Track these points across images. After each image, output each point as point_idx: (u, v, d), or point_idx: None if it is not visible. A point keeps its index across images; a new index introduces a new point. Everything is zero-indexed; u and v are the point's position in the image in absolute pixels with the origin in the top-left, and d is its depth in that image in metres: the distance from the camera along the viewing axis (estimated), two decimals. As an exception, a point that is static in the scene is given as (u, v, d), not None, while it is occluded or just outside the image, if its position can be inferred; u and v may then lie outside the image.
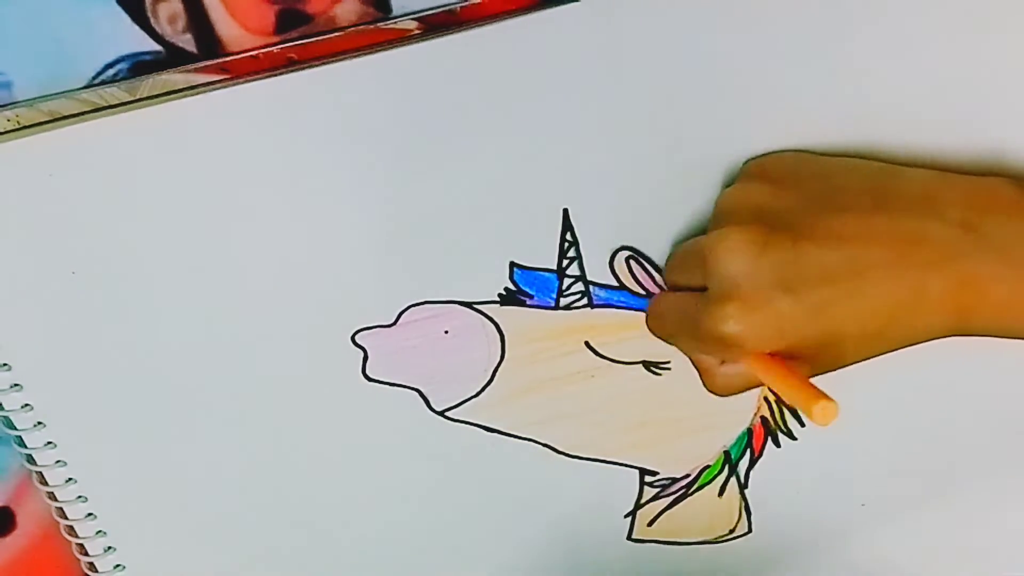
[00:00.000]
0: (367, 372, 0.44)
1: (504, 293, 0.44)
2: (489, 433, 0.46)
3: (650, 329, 0.44)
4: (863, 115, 0.43)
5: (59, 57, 0.39)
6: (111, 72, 0.40)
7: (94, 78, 0.40)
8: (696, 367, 0.42)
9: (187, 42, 0.40)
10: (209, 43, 0.40)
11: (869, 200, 0.39)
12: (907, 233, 0.38)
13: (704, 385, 0.42)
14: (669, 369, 0.46)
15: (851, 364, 0.39)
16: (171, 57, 0.40)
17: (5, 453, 0.44)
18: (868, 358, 0.39)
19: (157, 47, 0.40)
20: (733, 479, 0.48)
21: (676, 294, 0.42)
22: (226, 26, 0.40)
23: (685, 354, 0.42)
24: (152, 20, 0.40)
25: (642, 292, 0.44)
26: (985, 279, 0.37)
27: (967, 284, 0.37)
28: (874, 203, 0.39)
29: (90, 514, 0.45)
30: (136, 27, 0.40)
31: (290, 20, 0.40)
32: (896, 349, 0.39)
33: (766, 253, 0.37)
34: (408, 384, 0.45)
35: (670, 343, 0.43)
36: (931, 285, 0.37)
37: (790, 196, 0.39)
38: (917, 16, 0.41)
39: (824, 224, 0.38)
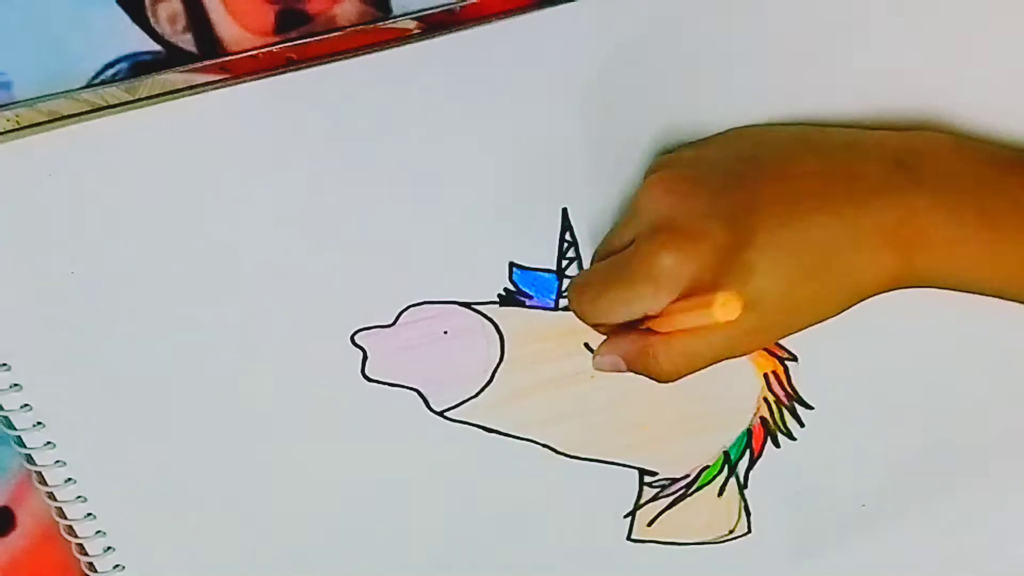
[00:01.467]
0: (366, 372, 0.44)
1: (503, 294, 0.44)
2: (488, 434, 0.46)
3: (576, 307, 0.40)
4: (853, 122, 0.42)
5: (59, 57, 0.40)
6: (111, 72, 0.40)
7: (94, 78, 0.40)
8: (635, 359, 0.39)
9: (187, 42, 0.40)
10: (209, 43, 0.40)
11: (799, 146, 0.39)
12: (839, 169, 0.37)
13: (651, 374, 0.39)
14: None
15: (803, 319, 0.38)
16: (171, 57, 0.40)
17: (5, 453, 0.44)
18: (820, 309, 0.38)
19: (157, 47, 0.40)
20: (732, 479, 0.48)
21: (598, 263, 0.40)
22: (226, 26, 0.40)
23: (611, 333, 0.40)
24: (152, 20, 0.40)
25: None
26: (922, 215, 0.36)
27: (904, 221, 0.36)
28: (804, 147, 0.38)
29: (89, 514, 0.45)
30: (136, 27, 0.40)
31: (290, 20, 0.40)
32: (848, 298, 0.38)
33: (695, 191, 0.37)
34: (407, 384, 0.45)
35: (595, 321, 0.40)
36: (865, 217, 0.36)
37: (711, 152, 0.40)
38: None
39: (753, 169, 0.38)
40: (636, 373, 0.39)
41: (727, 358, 0.39)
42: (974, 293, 0.39)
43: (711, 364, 0.38)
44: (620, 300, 0.38)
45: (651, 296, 0.37)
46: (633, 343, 0.39)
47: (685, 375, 0.39)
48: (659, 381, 0.39)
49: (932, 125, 0.42)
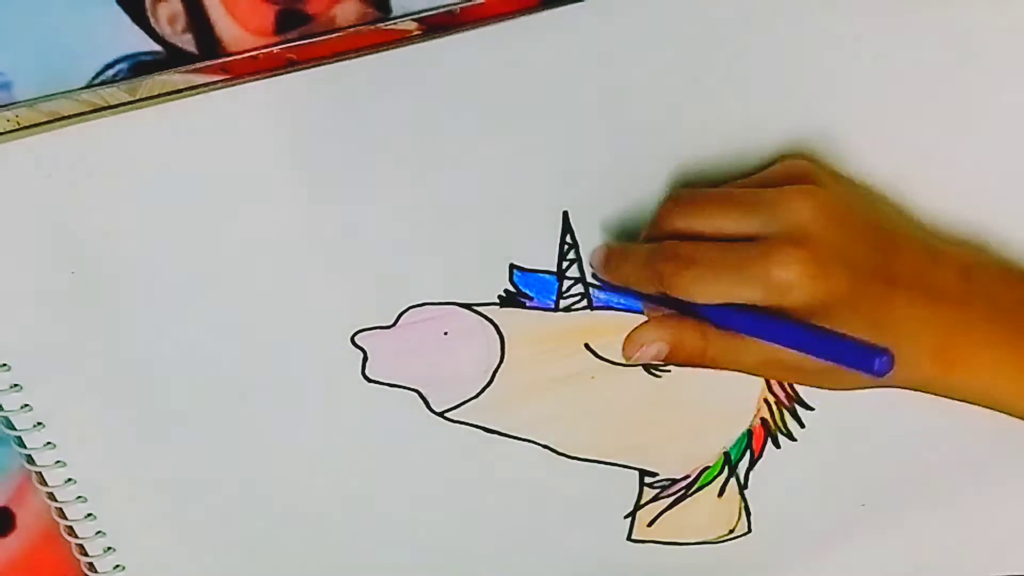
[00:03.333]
0: (367, 373, 0.44)
1: (504, 295, 0.44)
2: (488, 434, 0.46)
3: (672, 275, 0.39)
4: (855, 122, 0.43)
5: (59, 57, 0.39)
6: (111, 72, 0.40)
7: (94, 78, 0.40)
8: (685, 349, 0.40)
9: (187, 42, 0.40)
10: (209, 43, 0.40)
11: (904, 225, 0.42)
12: (926, 260, 0.40)
13: (694, 363, 0.40)
14: (669, 371, 0.46)
15: (839, 384, 0.40)
16: (171, 57, 0.40)
17: (5, 453, 0.44)
18: (851, 384, 0.40)
19: (157, 47, 0.40)
20: (733, 480, 0.48)
21: (709, 242, 0.39)
22: (226, 26, 0.40)
23: (662, 317, 0.40)
24: (152, 20, 0.40)
25: (642, 294, 0.44)
26: (972, 330, 0.40)
27: (955, 332, 0.39)
28: (906, 230, 0.42)
29: (90, 514, 0.45)
30: (136, 27, 0.40)
31: (290, 20, 0.40)
32: (874, 384, 0.40)
33: (845, 224, 0.38)
34: (408, 385, 0.45)
35: (685, 296, 0.39)
36: (937, 322, 0.39)
37: (863, 209, 0.41)
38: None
39: (890, 240, 0.40)
40: (675, 363, 0.40)
41: (763, 376, 0.41)
42: (997, 411, 0.41)
43: (749, 374, 0.40)
44: (729, 292, 0.38)
45: (762, 301, 0.37)
46: (689, 333, 0.40)
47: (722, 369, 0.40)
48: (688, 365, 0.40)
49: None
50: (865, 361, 0.34)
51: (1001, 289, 0.41)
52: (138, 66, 0.40)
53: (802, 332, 0.37)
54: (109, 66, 0.40)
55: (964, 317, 0.39)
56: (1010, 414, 0.41)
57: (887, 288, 0.38)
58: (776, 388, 0.47)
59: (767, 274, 0.37)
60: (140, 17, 0.40)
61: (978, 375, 0.40)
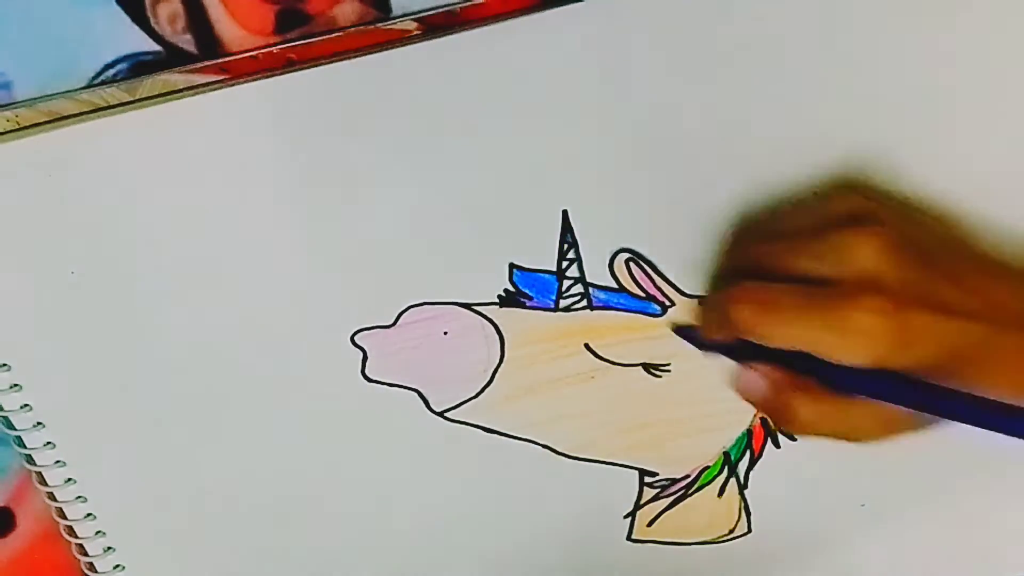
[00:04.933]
0: (366, 373, 0.44)
1: (504, 295, 0.44)
2: (488, 434, 0.46)
3: (751, 319, 0.39)
4: (859, 118, 0.43)
5: (59, 57, 0.39)
6: (111, 72, 0.40)
7: (94, 78, 0.40)
8: (772, 406, 0.41)
9: (187, 42, 0.40)
10: (209, 43, 0.40)
11: (966, 256, 0.42)
12: (1000, 293, 0.39)
13: (783, 426, 0.41)
14: (669, 371, 0.46)
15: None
16: (171, 57, 0.40)
17: (5, 453, 0.44)
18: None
19: (157, 47, 0.40)
20: (733, 480, 0.48)
21: (781, 284, 0.39)
22: (226, 26, 0.40)
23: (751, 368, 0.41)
24: (152, 20, 0.40)
25: (642, 294, 0.44)
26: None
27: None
28: (966, 258, 0.41)
29: (89, 514, 0.45)
30: (136, 27, 0.40)
31: (290, 20, 0.40)
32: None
33: (906, 265, 0.38)
34: (407, 385, 0.45)
35: (763, 340, 0.39)
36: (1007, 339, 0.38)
37: (908, 233, 0.40)
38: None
39: (946, 267, 0.39)
40: (766, 416, 0.41)
41: (846, 440, 0.41)
42: None
43: (832, 439, 0.40)
44: (808, 338, 0.38)
45: (840, 349, 0.37)
46: (775, 390, 0.40)
47: (810, 436, 0.40)
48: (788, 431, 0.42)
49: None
50: None
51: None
52: (138, 66, 0.40)
53: (962, 401, 0.37)
54: (109, 66, 0.40)
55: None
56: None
57: (966, 322, 0.38)
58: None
59: (852, 323, 0.37)
60: (140, 17, 0.40)
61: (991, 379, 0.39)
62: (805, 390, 0.39)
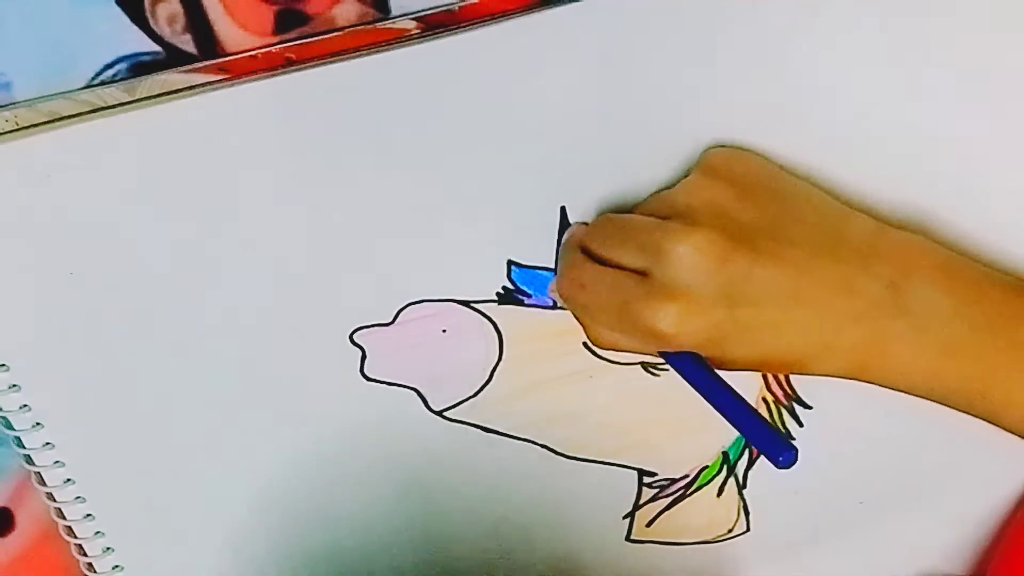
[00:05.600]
0: (365, 371, 0.44)
1: (502, 292, 0.44)
2: (487, 434, 0.46)
3: (562, 295, 0.42)
4: (849, 134, 0.43)
5: (58, 57, 0.39)
6: (110, 72, 0.40)
7: (93, 78, 0.40)
8: (581, 320, 0.42)
9: (186, 43, 0.40)
10: (208, 43, 0.40)
11: (818, 237, 0.40)
12: (842, 280, 0.39)
13: (586, 334, 0.42)
14: (668, 370, 0.46)
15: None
16: (170, 58, 0.40)
17: (4, 454, 0.44)
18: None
19: (156, 48, 0.40)
20: (731, 479, 0.48)
21: (607, 269, 0.40)
22: (225, 26, 0.40)
23: (583, 319, 0.42)
24: (151, 21, 0.40)
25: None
26: (892, 341, 0.39)
27: (875, 343, 0.39)
28: (821, 242, 0.40)
29: (88, 515, 0.45)
30: (135, 28, 0.40)
31: (289, 20, 0.40)
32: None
33: (723, 265, 0.38)
34: (406, 383, 0.45)
35: (576, 312, 0.42)
36: (846, 335, 0.39)
37: (751, 210, 0.40)
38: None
39: (776, 250, 0.39)
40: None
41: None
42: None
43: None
44: (606, 324, 0.40)
45: (638, 340, 0.40)
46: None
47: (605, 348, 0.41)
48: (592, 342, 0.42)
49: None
50: (772, 452, 0.36)
51: (937, 299, 0.39)
52: (137, 66, 0.40)
53: (726, 398, 0.39)
54: (108, 66, 0.40)
55: (880, 330, 0.39)
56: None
57: (790, 306, 0.39)
58: (774, 387, 0.47)
59: (643, 324, 0.38)
60: (139, 17, 0.40)
61: (892, 377, 0.40)
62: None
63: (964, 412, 0.40)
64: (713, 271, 0.38)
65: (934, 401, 0.40)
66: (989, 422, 0.40)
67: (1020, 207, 0.45)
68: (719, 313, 0.38)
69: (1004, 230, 0.45)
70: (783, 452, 0.36)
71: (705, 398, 0.39)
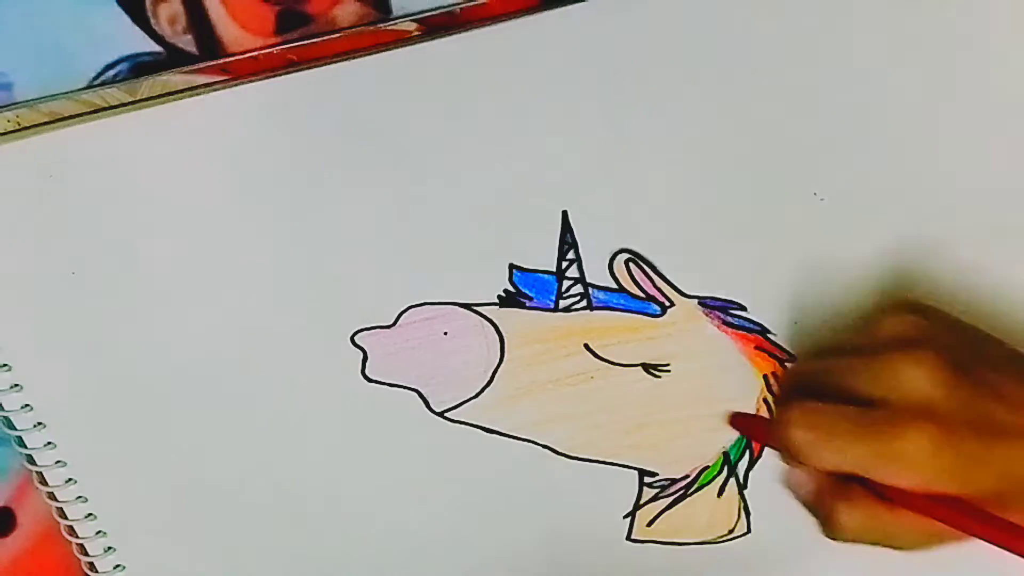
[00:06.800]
0: (366, 373, 0.44)
1: (503, 295, 0.44)
2: (488, 434, 0.46)
3: (803, 439, 0.39)
4: (861, 119, 0.43)
5: (59, 58, 0.40)
6: (111, 73, 0.40)
7: (94, 79, 0.40)
8: (817, 505, 0.41)
9: (187, 43, 0.40)
10: (209, 44, 0.40)
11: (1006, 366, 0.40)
12: None
13: (824, 530, 0.41)
14: (669, 371, 0.46)
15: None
16: (171, 58, 0.40)
17: (6, 454, 0.44)
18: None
19: (157, 48, 0.40)
20: (732, 480, 0.48)
21: (834, 406, 0.39)
22: (226, 27, 0.40)
23: (818, 483, 0.41)
24: (152, 21, 0.40)
25: (641, 295, 0.44)
26: None
27: None
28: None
29: (90, 514, 0.45)
30: (136, 28, 0.40)
31: (290, 21, 0.40)
32: None
33: (957, 389, 0.38)
34: (407, 385, 0.45)
35: (813, 462, 0.40)
36: None
37: (960, 355, 0.39)
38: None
39: (999, 389, 0.39)
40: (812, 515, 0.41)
41: (887, 548, 0.41)
42: None
43: (875, 545, 0.41)
44: (858, 464, 0.38)
45: (890, 476, 0.38)
46: (821, 493, 0.41)
47: (851, 541, 0.41)
48: (829, 534, 0.41)
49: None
50: None
51: None
52: (138, 67, 0.40)
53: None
54: (109, 67, 0.40)
55: None
56: None
57: (1016, 441, 0.38)
58: (775, 387, 0.47)
59: (900, 448, 0.37)
60: (140, 18, 0.40)
61: None
62: (850, 497, 0.39)
63: None
64: (949, 391, 0.38)
65: None
66: None
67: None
68: (972, 443, 0.37)
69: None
70: None
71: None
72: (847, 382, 0.40)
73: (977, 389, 0.38)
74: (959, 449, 0.37)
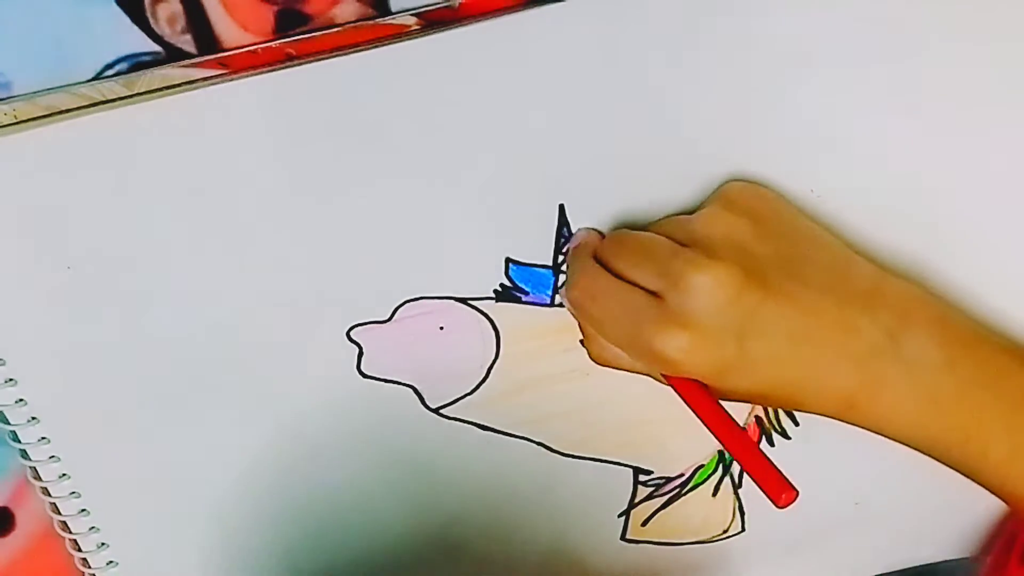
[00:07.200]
0: (362, 368, 0.44)
1: (499, 289, 0.44)
2: (483, 431, 0.46)
3: (572, 302, 0.43)
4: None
5: (58, 57, 0.40)
6: (111, 73, 0.40)
7: (94, 79, 0.40)
8: (585, 330, 0.43)
9: (186, 43, 0.40)
10: (208, 43, 0.40)
11: (826, 279, 0.41)
12: (845, 322, 0.39)
13: (584, 346, 0.43)
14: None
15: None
16: (170, 58, 0.40)
17: (5, 454, 0.44)
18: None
19: (156, 48, 0.40)
20: (727, 479, 0.48)
21: (622, 285, 0.40)
22: (225, 26, 0.40)
23: (588, 329, 0.43)
24: (151, 21, 0.40)
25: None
26: (884, 386, 0.39)
27: (868, 386, 0.39)
28: (829, 283, 0.40)
29: (84, 510, 0.45)
30: (135, 28, 0.40)
31: (289, 21, 0.40)
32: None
33: (737, 300, 0.38)
34: (403, 381, 0.45)
35: (582, 322, 0.43)
36: (843, 376, 0.39)
37: (766, 246, 0.40)
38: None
39: (788, 288, 0.39)
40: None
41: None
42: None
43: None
44: (615, 341, 0.41)
45: (645, 363, 0.41)
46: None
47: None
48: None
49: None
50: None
51: (932, 352, 0.40)
52: (137, 67, 0.40)
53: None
54: (109, 66, 0.40)
55: (874, 373, 0.39)
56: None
57: (796, 343, 0.39)
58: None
59: (653, 348, 0.39)
60: (139, 18, 0.40)
61: (877, 422, 0.40)
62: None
63: (942, 463, 0.41)
64: (728, 304, 0.38)
65: (913, 448, 0.41)
66: (965, 475, 0.41)
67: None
68: (728, 345, 0.38)
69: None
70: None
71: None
72: (637, 272, 0.40)
73: (760, 300, 0.39)
74: (713, 355, 0.38)
